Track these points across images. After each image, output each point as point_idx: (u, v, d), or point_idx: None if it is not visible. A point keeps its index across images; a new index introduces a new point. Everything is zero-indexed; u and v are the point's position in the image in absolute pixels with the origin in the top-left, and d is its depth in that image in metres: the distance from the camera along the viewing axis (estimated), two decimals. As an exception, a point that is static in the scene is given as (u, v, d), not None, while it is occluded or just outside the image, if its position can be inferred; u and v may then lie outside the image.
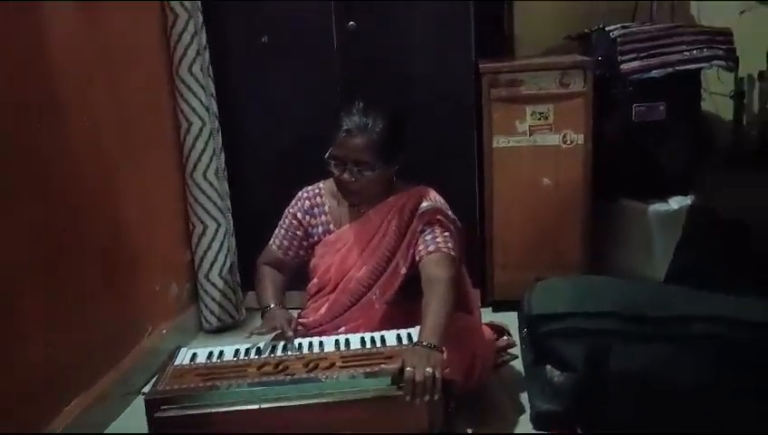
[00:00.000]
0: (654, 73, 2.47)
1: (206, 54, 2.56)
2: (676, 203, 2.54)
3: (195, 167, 2.59)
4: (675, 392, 1.73)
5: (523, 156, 2.54)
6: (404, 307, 1.88)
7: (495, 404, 2.05)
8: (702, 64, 2.50)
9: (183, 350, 1.75)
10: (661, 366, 1.75)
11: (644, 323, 1.77)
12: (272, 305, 1.90)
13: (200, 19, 2.52)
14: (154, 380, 1.61)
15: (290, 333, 1.77)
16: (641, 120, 2.53)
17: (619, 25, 2.57)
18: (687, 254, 2.27)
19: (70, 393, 1.97)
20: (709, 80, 2.77)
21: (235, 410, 1.50)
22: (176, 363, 1.67)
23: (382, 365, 1.57)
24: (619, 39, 2.50)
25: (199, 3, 2.51)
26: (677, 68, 2.48)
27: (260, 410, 1.50)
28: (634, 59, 2.48)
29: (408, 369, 1.50)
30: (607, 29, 2.58)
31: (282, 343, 1.76)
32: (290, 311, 1.92)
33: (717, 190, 2.47)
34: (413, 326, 1.74)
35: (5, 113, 1.75)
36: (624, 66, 2.48)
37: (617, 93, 2.55)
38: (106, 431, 2.06)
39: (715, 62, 2.51)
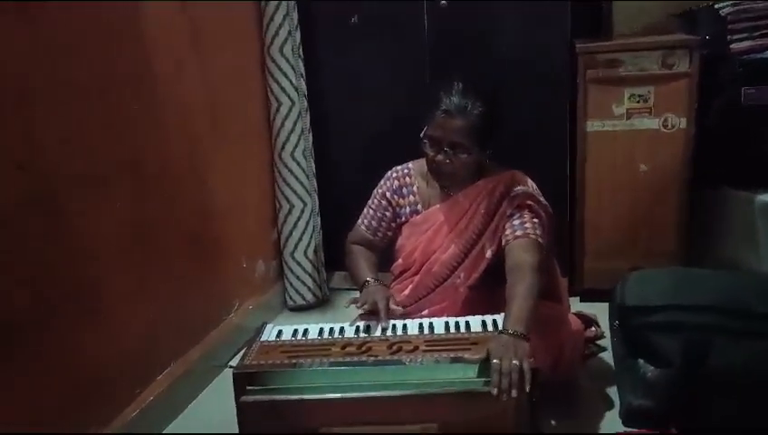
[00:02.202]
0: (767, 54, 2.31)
1: (297, 35, 2.58)
2: (785, 193, 2.38)
3: (283, 147, 2.62)
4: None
5: (618, 140, 2.44)
6: (488, 293, 1.84)
7: (582, 397, 2.00)
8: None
9: (269, 326, 1.77)
10: (764, 363, 1.65)
11: (747, 318, 1.66)
12: (369, 279, 1.89)
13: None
14: (241, 354, 1.64)
15: (384, 321, 1.73)
16: (751, 103, 2.36)
17: (729, 2, 2.41)
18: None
19: (160, 365, 2.05)
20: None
21: (319, 398, 1.50)
22: (262, 339, 1.70)
23: (467, 352, 1.54)
24: (729, 17, 2.35)
25: (292, -18, 2.53)
26: (794, 48, 2.31)
27: (342, 399, 1.49)
28: (746, 38, 2.32)
29: (494, 361, 1.46)
30: (716, 6, 2.42)
31: (364, 324, 1.75)
32: (388, 289, 1.89)
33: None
34: (496, 312, 1.70)
35: (103, 95, 1.81)
36: (735, 46, 2.33)
37: (725, 75, 2.39)
38: (193, 403, 2.13)
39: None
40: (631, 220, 2.51)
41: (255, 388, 1.53)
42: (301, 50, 2.61)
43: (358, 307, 1.80)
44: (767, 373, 1.65)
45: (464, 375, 1.51)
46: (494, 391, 1.44)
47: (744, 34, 2.34)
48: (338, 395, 1.50)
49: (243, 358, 1.60)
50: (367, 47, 2.63)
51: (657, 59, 2.36)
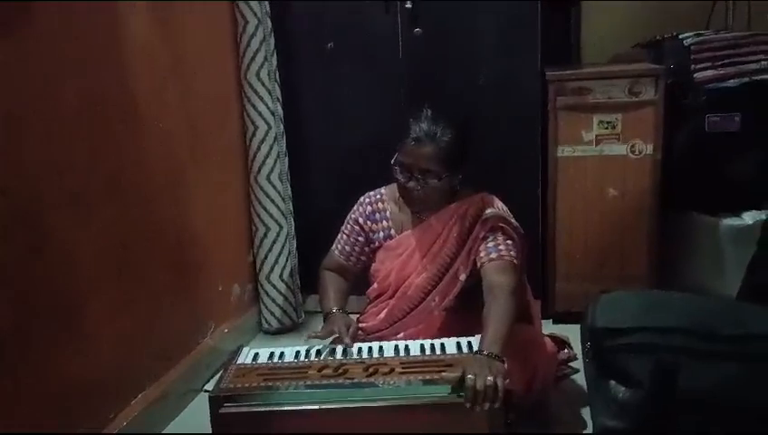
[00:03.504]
0: (730, 83, 2.40)
1: (274, 60, 2.61)
2: (749, 217, 2.45)
3: (259, 170, 2.63)
4: (745, 413, 1.66)
5: (588, 166, 2.50)
6: (463, 315, 1.86)
7: (556, 418, 2.01)
8: (781, 74, 2.41)
9: (245, 349, 1.77)
10: (732, 386, 1.68)
11: (716, 341, 1.70)
12: (334, 310, 1.91)
13: (269, 25, 2.57)
14: (217, 377, 1.64)
15: (347, 340, 1.77)
16: (715, 130, 2.45)
17: (692, 33, 2.50)
18: (762, 270, 2.17)
19: (135, 388, 2.03)
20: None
21: (297, 410, 1.51)
22: (238, 362, 1.69)
23: (442, 373, 1.55)
24: (693, 47, 2.43)
25: (268, 9, 2.56)
26: (754, 78, 2.39)
27: (320, 410, 1.50)
28: (708, 68, 2.41)
29: (469, 377, 1.48)
30: (680, 36, 2.50)
31: (341, 347, 1.76)
32: (351, 317, 1.92)
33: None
34: (472, 334, 1.72)
35: (85, 118, 1.82)
36: (698, 75, 2.41)
37: (689, 103, 2.47)
38: (169, 427, 2.11)
39: (795, 71, 2.41)
40: (601, 244, 2.55)
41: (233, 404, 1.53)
42: (277, 75, 2.63)
43: (313, 337, 1.80)
44: (735, 394, 1.68)
45: (438, 392, 1.52)
46: (468, 405, 1.46)
47: (708, 64, 2.42)
48: (314, 407, 1.51)
49: (219, 381, 1.60)
50: (343, 73, 2.67)
51: (624, 87, 2.43)
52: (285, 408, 1.51)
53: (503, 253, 1.82)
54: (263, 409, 1.51)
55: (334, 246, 2.06)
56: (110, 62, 1.93)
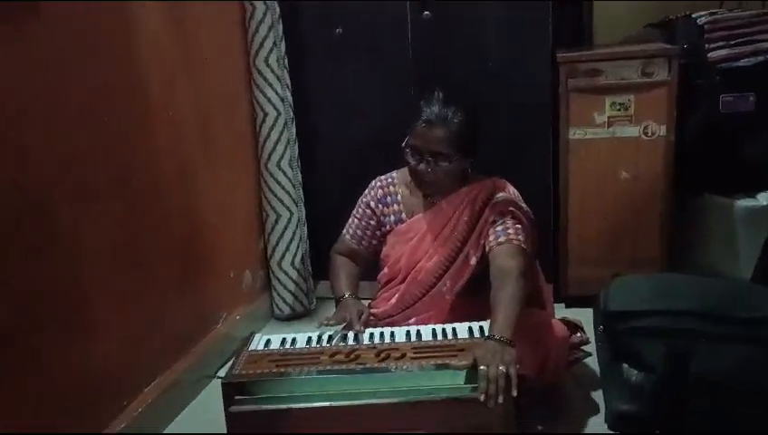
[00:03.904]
0: (744, 62, 2.36)
1: (282, 46, 2.60)
2: (764, 199, 2.42)
3: (269, 157, 2.63)
4: (759, 396, 1.66)
5: (600, 148, 2.48)
6: (474, 300, 1.85)
7: (568, 402, 2.01)
8: (796, 52, 2.37)
9: (257, 336, 1.78)
10: (745, 369, 1.68)
11: (729, 324, 1.69)
12: (346, 295, 1.91)
13: (277, 11, 2.55)
14: (230, 364, 1.65)
15: (357, 327, 1.77)
16: (729, 110, 2.41)
17: (706, 12, 2.46)
18: (776, 252, 2.15)
19: (148, 376, 2.04)
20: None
21: (307, 407, 1.51)
22: (250, 349, 1.70)
23: (454, 358, 1.55)
24: (706, 26, 2.39)
25: (276, -6, 2.55)
26: (769, 56, 2.35)
27: (331, 407, 1.51)
28: (723, 47, 2.37)
29: (481, 368, 1.48)
30: (693, 16, 2.47)
31: (353, 333, 1.76)
32: (363, 302, 1.92)
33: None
34: (484, 319, 1.72)
35: (94, 111, 1.82)
36: (712, 55, 2.38)
37: (703, 83, 2.43)
38: (182, 414, 2.13)
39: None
40: (614, 227, 2.54)
41: (244, 397, 1.53)
42: (286, 61, 2.62)
43: (325, 324, 1.80)
44: (748, 377, 1.68)
45: (451, 382, 1.53)
46: (482, 398, 1.45)
47: (721, 43, 2.39)
48: (326, 404, 1.51)
49: (231, 368, 1.61)
50: (351, 58, 2.65)
51: (636, 68, 2.39)
52: (294, 405, 1.52)
53: (511, 236, 1.81)
54: (272, 406, 1.52)
55: (345, 230, 2.06)
56: (118, 53, 1.93)
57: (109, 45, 1.89)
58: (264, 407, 1.53)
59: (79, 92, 1.76)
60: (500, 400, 1.45)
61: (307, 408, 1.52)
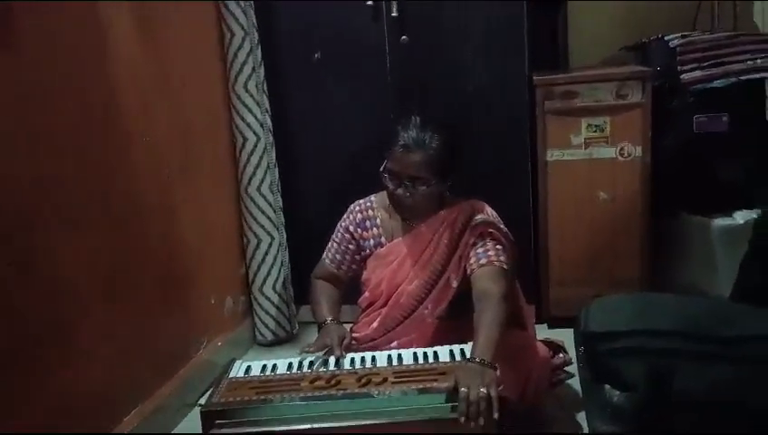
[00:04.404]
0: (716, 83, 2.40)
1: (261, 71, 2.61)
2: (740, 217, 2.44)
3: (249, 181, 2.63)
4: (740, 415, 1.66)
5: (578, 169, 2.50)
6: (456, 322, 1.85)
7: (551, 424, 2.01)
8: (766, 74, 2.41)
9: (237, 363, 1.76)
10: (727, 387, 1.68)
11: (709, 343, 1.69)
12: (328, 320, 1.90)
13: (256, 37, 2.57)
14: (210, 392, 1.63)
15: (338, 352, 1.76)
16: (703, 131, 2.45)
17: (678, 34, 2.51)
18: (754, 270, 2.17)
19: (128, 405, 2.01)
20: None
21: (288, 431, 1.50)
22: (230, 376, 1.68)
23: (435, 382, 1.55)
24: (679, 48, 2.44)
25: (255, 21, 2.56)
26: (741, 78, 2.40)
27: (312, 429, 1.49)
28: (695, 69, 2.41)
29: (462, 389, 1.47)
30: (666, 38, 2.51)
31: (334, 358, 1.75)
32: (345, 327, 1.91)
33: (785, 203, 2.37)
34: (466, 341, 1.72)
35: (73, 135, 1.82)
36: (685, 76, 2.41)
37: (677, 105, 2.47)
38: (162, 442, 2.10)
39: (781, 71, 2.41)
40: (594, 248, 2.55)
41: (225, 421, 1.52)
42: (265, 86, 2.63)
43: (307, 352, 1.78)
44: (731, 396, 1.68)
45: (432, 403, 1.52)
46: (462, 419, 1.45)
47: (694, 65, 2.43)
48: (307, 426, 1.50)
49: (211, 395, 1.59)
50: (331, 82, 2.67)
51: (611, 90, 2.43)
52: (275, 428, 1.50)
53: (492, 258, 1.82)
54: (253, 429, 1.50)
55: (325, 254, 2.05)
56: (96, 77, 1.93)
57: (86, 69, 1.88)
58: (245, 430, 1.51)
59: (57, 115, 1.75)
60: (480, 422, 1.44)
61: (288, 432, 1.50)
